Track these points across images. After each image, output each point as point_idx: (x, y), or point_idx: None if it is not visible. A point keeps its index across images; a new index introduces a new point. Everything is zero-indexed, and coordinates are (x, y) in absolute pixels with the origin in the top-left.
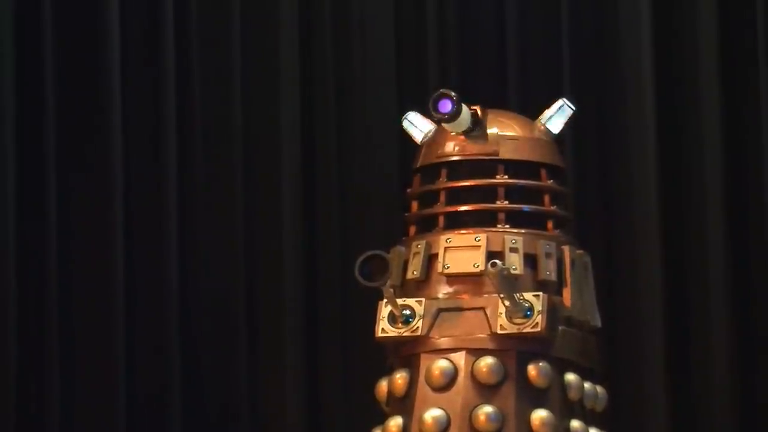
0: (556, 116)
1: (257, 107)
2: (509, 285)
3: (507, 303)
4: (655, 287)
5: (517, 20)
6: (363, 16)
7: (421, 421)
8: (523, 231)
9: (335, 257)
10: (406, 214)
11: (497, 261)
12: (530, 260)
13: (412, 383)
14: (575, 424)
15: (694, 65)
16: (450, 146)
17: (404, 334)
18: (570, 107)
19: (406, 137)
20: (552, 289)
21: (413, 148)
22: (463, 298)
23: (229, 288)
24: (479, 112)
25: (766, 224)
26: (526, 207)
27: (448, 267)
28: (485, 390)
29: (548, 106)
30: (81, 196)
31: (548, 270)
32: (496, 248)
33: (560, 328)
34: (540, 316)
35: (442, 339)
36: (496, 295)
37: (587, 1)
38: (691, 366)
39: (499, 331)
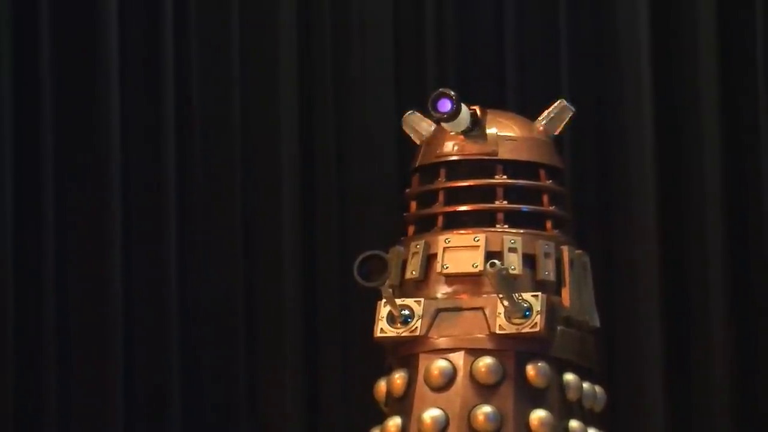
0: (556, 117)
1: (256, 107)
2: (508, 285)
3: (506, 303)
4: (654, 287)
5: (516, 20)
6: (362, 16)
7: (419, 421)
8: (521, 231)
9: (334, 257)
10: (405, 214)
11: (496, 261)
12: (529, 260)
13: (410, 383)
14: (574, 424)
15: (693, 65)
16: (449, 146)
17: (403, 334)
18: (570, 108)
19: (405, 137)
20: (551, 289)
21: (412, 148)
22: (462, 298)
23: (228, 288)
24: (478, 112)
25: (765, 224)
26: (524, 207)
27: (447, 267)
28: (484, 390)
29: (547, 106)
30: (79, 196)
31: (547, 270)
32: (495, 248)
33: (559, 328)
34: (539, 316)
35: (441, 339)
36: (495, 295)
37: (586, 1)
38: (690, 366)
39: (497, 331)
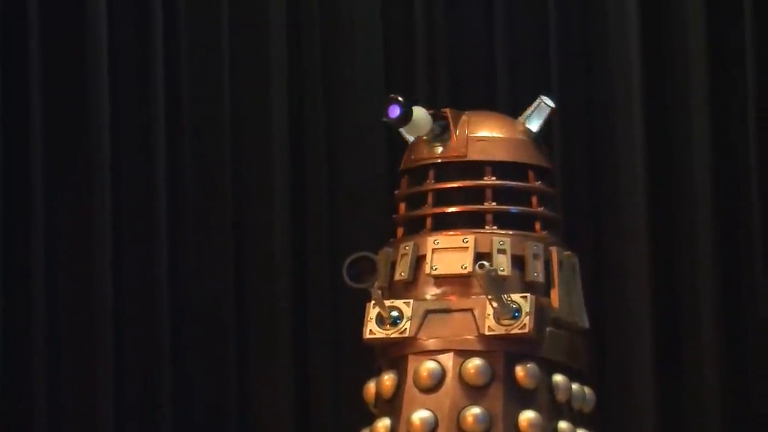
0: (535, 114)
1: (246, 107)
2: (497, 286)
3: (495, 304)
4: (643, 288)
5: (505, 21)
6: (352, 16)
7: (408, 422)
8: (511, 232)
9: (325, 258)
10: (394, 216)
11: (485, 262)
12: (518, 261)
13: (399, 385)
14: (563, 425)
15: (683, 65)
16: (437, 148)
17: (392, 336)
18: (547, 105)
19: (395, 138)
20: (540, 290)
21: (402, 149)
22: (451, 300)
23: (219, 288)
24: (449, 116)
25: (755, 223)
26: (513, 208)
27: (436, 268)
28: (473, 391)
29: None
30: (68, 196)
31: (536, 271)
32: (484, 249)
33: (548, 329)
34: (528, 317)
35: (430, 340)
36: (484, 296)
37: (575, 1)
38: (680, 367)
39: (486, 333)
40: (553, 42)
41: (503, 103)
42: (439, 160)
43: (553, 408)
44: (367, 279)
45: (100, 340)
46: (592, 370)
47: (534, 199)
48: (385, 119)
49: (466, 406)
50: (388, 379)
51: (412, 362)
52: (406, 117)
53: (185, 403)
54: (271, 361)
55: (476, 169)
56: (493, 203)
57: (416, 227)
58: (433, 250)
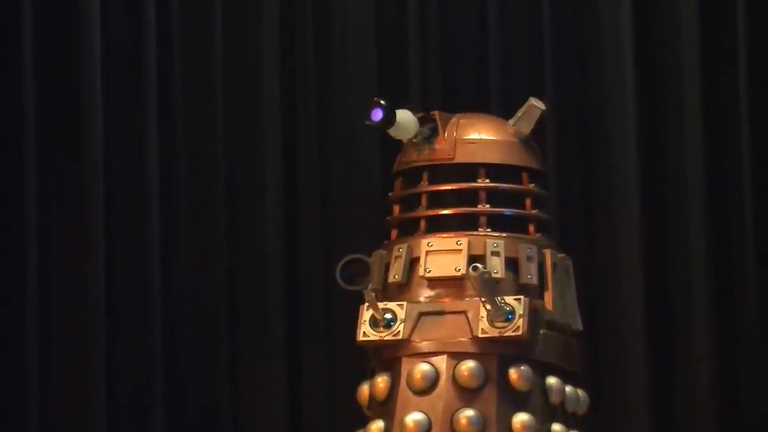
0: (526, 116)
1: (239, 108)
2: (490, 289)
3: (488, 307)
4: (637, 290)
5: (499, 21)
6: (345, 16)
7: (402, 424)
8: (504, 235)
9: (318, 260)
10: (388, 218)
11: (478, 265)
12: (512, 264)
13: (393, 387)
14: (557, 427)
15: (676, 66)
16: (425, 151)
17: (386, 338)
18: (538, 106)
19: (388, 139)
20: (533, 292)
21: (395, 151)
22: (445, 302)
23: (212, 289)
24: (438, 118)
25: (748, 224)
26: (507, 210)
27: (430, 271)
28: (466, 394)
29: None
30: (62, 196)
31: (529, 273)
32: (478, 252)
33: (542, 331)
34: (521, 319)
35: (424, 343)
36: (478, 298)
37: (569, 2)
38: (673, 368)
39: (480, 335)
40: (547, 43)
41: (496, 104)
42: (429, 163)
43: (547, 410)
44: (360, 281)
45: (93, 340)
46: (586, 372)
47: (528, 202)
48: (367, 122)
49: (459, 409)
50: (381, 381)
51: (405, 364)
52: (388, 120)
53: (178, 403)
54: (263, 362)
55: (470, 171)
56: (487, 205)
57: (410, 229)
58: (427, 252)
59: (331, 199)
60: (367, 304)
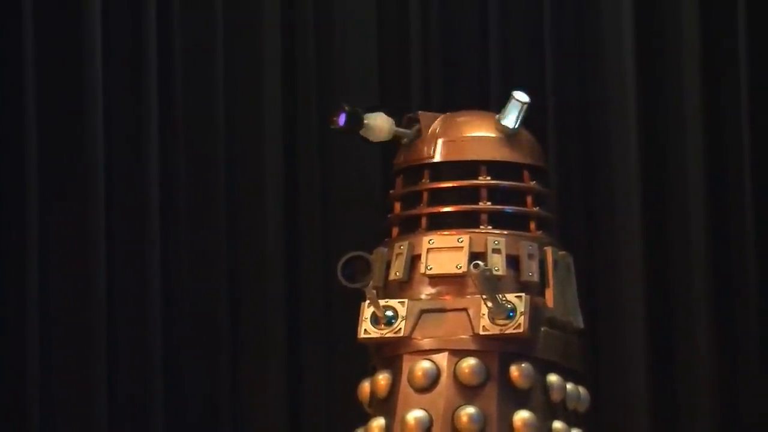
0: (509, 111)
1: (240, 108)
2: (492, 286)
3: (489, 304)
4: (638, 288)
5: (500, 21)
6: (346, 17)
7: (403, 422)
8: (505, 232)
9: (318, 258)
10: (389, 215)
11: (479, 262)
12: (513, 261)
13: (394, 384)
14: (557, 425)
15: (677, 66)
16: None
17: (387, 335)
18: (519, 100)
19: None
20: (534, 290)
21: (395, 149)
22: (446, 299)
23: (212, 289)
24: (420, 120)
25: (748, 224)
26: (508, 208)
27: (431, 268)
28: (467, 391)
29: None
30: (63, 196)
31: (531, 271)
32: (479, 249)
33: (543, 329)
34: (522, 317)
35: (425, 340)
36: (479, 296)
37: (569, 1)
38: (674, 367)
39: (481, 332)
40: (548, 42)
41: (497, 104)
42: (419, 162)
43: (548, 408)
44: (361, 279)
45: (94, 339)
46: (587, 369)
47: (529, 199)
48: (332, 127)
49: (460, 406)
50: (382, 378)
51: (406, 362)
52: (351, 125)
53: (178, 402)
54: (264, 361)
55: (471, 169)
56: (488, 203)
57: (411, 227)
58: (428, 249)
59: (332, 198)
60: (368, 301)
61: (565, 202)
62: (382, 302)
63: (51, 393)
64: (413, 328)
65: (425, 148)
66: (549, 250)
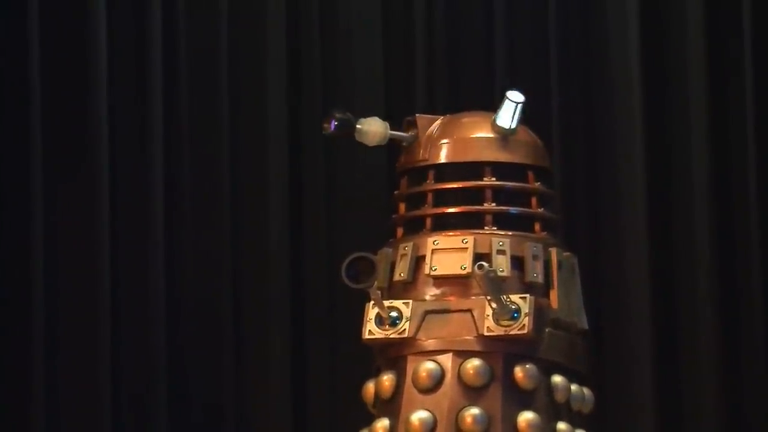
0: (504, 111)
1: (244, 108)
2: (496, 287)
3: (494, 305)
4: (643, 289)
5: (505, 21)
6: (351, 16)
7: (407, 423)
8: (510, 233)
9: (322, 258)
10: (393, 216)
11: (484, 263)
12: (517, 262)
13: (398, 385)
14: (562, 426)
15: (682, 67)
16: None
17: (391, 336)
18: (513, 100)
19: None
20: (539, 291)
21: (400, 150)
22: (450, 300)
23: (215, 289)
24: (417, 122)
25: (752, 224)
26: (513, 209)
27: (435, 269)
28: (472, 392)
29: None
30: (67, 196)
31: (535, 272)
32: (483, 250)
33: (547, 330)
34: (527, 318)
35: (429, 341)
36: (483, 297)
37: (575, 2)
38: (679, 367)
39: (485, 333)
40: (553, 43)
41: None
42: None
43: (552, 409)
44: (365, 279)
45: (98, 339)
46: (592, 370)
47: (533, 200)
48: (324, 132)
49: (465, 407)
50: (387, 379)
51: (411, 363)
52: (341, 130)
53: (182, 403)
54: (268, 361)
55: (475, 170)
56: (493, 204)
57: (416, 227)
58: (433, 250)
59: (336, 199)
60: (372, 302)
61: (570, 202)
62: (386, 303)
63: (56, 393)
64: (417, 329)
65: (426, 150)
66: (554, 251)
